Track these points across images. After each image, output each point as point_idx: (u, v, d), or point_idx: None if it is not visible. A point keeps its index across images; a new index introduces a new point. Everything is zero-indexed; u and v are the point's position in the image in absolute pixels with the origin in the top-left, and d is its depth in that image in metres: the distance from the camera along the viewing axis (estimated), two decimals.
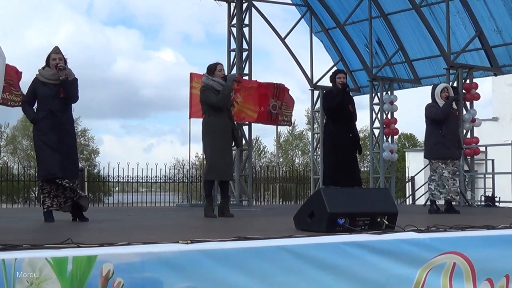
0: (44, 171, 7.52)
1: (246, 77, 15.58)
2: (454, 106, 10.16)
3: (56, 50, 7.69)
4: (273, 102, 15.23)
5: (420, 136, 44.81)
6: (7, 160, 38.19)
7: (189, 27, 74.97)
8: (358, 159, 10.64)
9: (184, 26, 76.19)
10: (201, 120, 9.20)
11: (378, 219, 5.60)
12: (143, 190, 23.79)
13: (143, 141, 74.30)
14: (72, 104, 7.75)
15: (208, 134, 8.82)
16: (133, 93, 68.67)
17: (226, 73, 9.10)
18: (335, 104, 9.92)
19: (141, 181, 20.95)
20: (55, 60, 7.59)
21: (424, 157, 10.28)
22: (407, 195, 21.20)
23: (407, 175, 25.69)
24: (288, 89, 15.68)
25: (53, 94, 7.54)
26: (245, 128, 15.63)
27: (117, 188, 22.74)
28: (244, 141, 15.69)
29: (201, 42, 76.24)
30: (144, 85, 71.37)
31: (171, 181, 21.60)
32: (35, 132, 7.66)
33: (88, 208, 7.78)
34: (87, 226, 6.95)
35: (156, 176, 21.00)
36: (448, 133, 9.91)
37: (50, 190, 7.53)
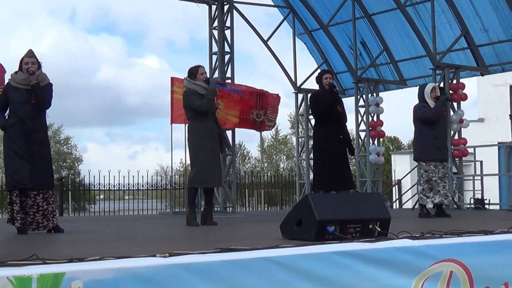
0: (12, 181, 7.13)
1: (229, 81, 15.32)
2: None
3: (29, 54, 7.31)
4: (257, 111, 14.91)
5: (405, 138, 44.73)
6: None
7: (173, 33, 74.63)
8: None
9: (168, 32, 75.87)
10: (183, 125, 8.88)
11: (370, 226, 5.30)
12: (127, 198, 23.48)
13: (127, 149, 73.94)
14: (46, 111, 7.36)
15: (193, 139, 8.52)
16: (117, 100, 68.29)
17: (208, 76, 8.76)
18: (323, 107, 9.65)
19: (123, 188, 20.60)
20: (27, 64, 7.22)
21: (414, 159, 9.99)
22: (394, 199, 20.97)
23: (393, 178, 25.48)
24: (272, 94, 15.38)
25: (24, 100, 7.17)
26: (229, 133, 15.33)
27: (102, 196, 22.41)
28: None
29: (185, 47, 75.89)
30: (128, 92, 71.02)
31: (153, 188, 21.27)
32: (5, 139, 7.28)
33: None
34: (61, 238, 6.59)
35: (138, 184, 20.71)
36: (440, 134, 9.68)
37: (13, 204, 7.12)
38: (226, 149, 9.65)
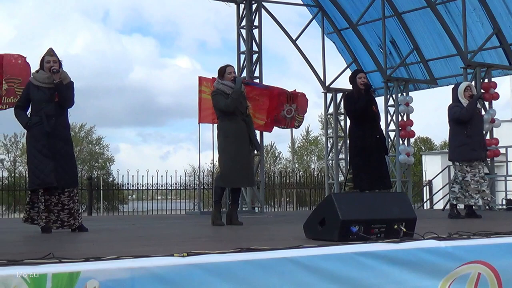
0: (37, 180, 7.08)
1: (257, 80, 15.21)
2: (478, 105, 9.73)
3: (50, 52, 7.30)
4: (288, 107, 14.79)
5: (437, 139, 44.31)
6: (23, 170, 37.98)
7: (204, 34, 74.74)
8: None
9: (200, 32, 75.99)
10: (214, 125, 8.82)
11: (395, 226, 5.17)
12: (158, 198, 23.54)
13: (159, 149, 74.07)
14: (68, 109, 7.35)
15: (221, 139, 8.50)
16: (149, 101, 68.56)
17: (236, 76, 8.71)
18: (360, 107, 9.44)
19: (152, 188, 20.62)
20: (49, 62, 7.21)
21: (449, 159, 9.83)
22: (425, 200, 20.73)
23: (424, 179, 25.18)
24: (303, 94, 15.28)
25: (48, 98, 7.16)
26: (257, 133, 15.23)
27: (134, 196, 22.49)
28: None
29: (216, 48, 75.92)
30: (160, 93, 71.32)
31: (182, 188, 21.26)
32: (28, 138, 7.25)
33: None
34: (82, 237, 6.54)
35: (167, 184, 20.68)
36: (474, 133, 9.46)
37: (39, 204, 7.10)
38: (259, 148, 9.51)
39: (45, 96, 7.16)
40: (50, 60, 7.21)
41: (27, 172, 7.51)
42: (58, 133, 7.20)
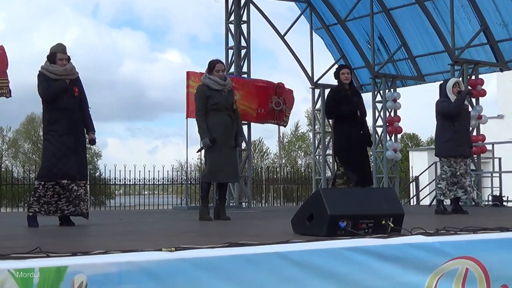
0: (59, 171, 7.14)
1: (245, 75, 15.22)
2: (466, 102, 9.76)
3: (63, 50, 7.35)
4: (276, 99, 14.81)
5: (424, 135, 44.43)
6: (9, 164, 37.81)
7: (195, 28, 74.75)
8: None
9: (190, 27, 75.92)
10: None
11: (383, 222, 5.18)
12: (145, 192, 23.53)
13: (148, 144, 73.98)
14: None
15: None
16: (139, 95, 68.38)
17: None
18: (345, 109, 9.36)
19: (139, 183, 20.59)
20: (62, 60, 7.28)
21: (435, 155, 9.85)
22: (411, 196, 20.80)
23: (410, 175, 25.26)
24: (291, 90, 15.33)
25: (68, 92, 7.24)
26: (245, 128, 15.23)
27: (121, 191, 22.48)
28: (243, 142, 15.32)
29: (207, 42, 75.79)
30: (150, 87, 71.14)
31: (169, 183, 21.24)
32: (50, 132, 7.24)
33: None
34: (69, 232, 6.51)
35: (154, 179, 20.65)
36: (460, 129, 9.49)
37: (43, 195, 7.15)
38: (240, 145, 9.51)
39: (66, 90, 7.23)
40: (63, 58, 7.29)
41: (41, 164, 7.50)
42: (79, 127, 7.37)
